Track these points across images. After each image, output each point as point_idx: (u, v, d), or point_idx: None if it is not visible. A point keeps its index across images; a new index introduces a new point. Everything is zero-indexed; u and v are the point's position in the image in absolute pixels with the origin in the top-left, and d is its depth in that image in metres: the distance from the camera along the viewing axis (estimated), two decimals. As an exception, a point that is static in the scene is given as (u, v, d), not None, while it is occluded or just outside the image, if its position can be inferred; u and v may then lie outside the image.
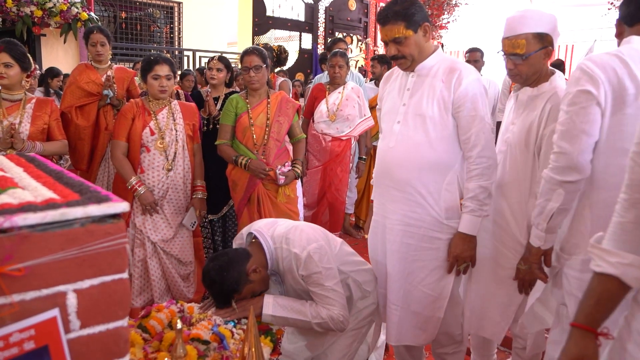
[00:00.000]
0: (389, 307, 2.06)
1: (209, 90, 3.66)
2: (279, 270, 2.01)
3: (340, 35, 9.12)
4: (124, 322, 0.88)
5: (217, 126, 3.53)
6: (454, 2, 9.25)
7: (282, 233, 1.99)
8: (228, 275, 1.82)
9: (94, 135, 3.50)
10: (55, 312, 0.79)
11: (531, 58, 1.86)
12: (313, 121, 4.02)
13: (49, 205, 0.81)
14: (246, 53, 3.04)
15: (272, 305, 1.89)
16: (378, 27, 2.11)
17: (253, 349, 1.21)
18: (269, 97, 3.12)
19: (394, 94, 2.07)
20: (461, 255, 1.92)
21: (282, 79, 5.32)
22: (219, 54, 3.78)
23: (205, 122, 3.58)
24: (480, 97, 1.90)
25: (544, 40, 1.88)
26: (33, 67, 2.84)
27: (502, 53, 1.97)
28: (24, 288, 0.76)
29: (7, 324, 0.76)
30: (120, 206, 0.85)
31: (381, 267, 2.11)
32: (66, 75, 5.97)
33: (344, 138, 3.85)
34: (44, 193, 0.89)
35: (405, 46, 1.91)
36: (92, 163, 3.58)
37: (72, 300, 0.81)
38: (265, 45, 5.01)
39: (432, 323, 2.01)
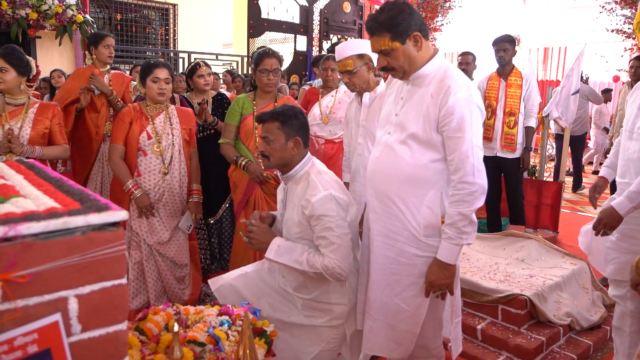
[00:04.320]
0: (366, 315, 2.01)
1: (205, 98, 3.67)
2: (289, 189, 2.18)
3: (335, 38, 9.16)
4: (123, 326, 0.91)
5: (212, 132, 3.56)
6: (447, 5, 9.31)
7: (320, 168, 2.17)
8: (296, 111, 2.14)
9: (73, 139, 3.60)
10: (57, 317, 0.82)
11: (358, 72, 2.60)
12: (307, 124, 4.06)
13: (51, 214, 0.84)
14: (267, 55, 3.01)
15: (274, 251, 2.05)
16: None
17: (248, 351, 1.25)
18: (276, 100, 3.13)
19: (390, 100, 1.99)
20: (436, 282, 1.84)
21: (281, 84, 5.34)
22: (202, 60, 3.76)
23: (200, 128, 3.60)
24: (469, 117, 1.74)
25: (364, 59, 2.61)
26: (35, 72, 2.85)
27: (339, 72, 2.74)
28: (27, 294, 0.79)
29: (11, 328, 0.79)
30: (119, 215, 0.88)
31: (363, 274, 2.07)
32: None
33: (336, 140, 3.89)
34: (46, 202, 0.92)
35: (393, 58, 1.81)
36: (84, 166, 3.65)
37: (73, 305, 0.84)
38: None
39: (407, 338, 1.94)
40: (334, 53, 4.42)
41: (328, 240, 1.98)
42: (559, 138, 6.59)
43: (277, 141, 2.10)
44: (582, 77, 7.26)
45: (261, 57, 3.03)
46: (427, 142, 1.81)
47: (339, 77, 4.00)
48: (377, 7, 9.64)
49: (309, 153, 2.19)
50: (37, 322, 0.81)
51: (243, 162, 2.98)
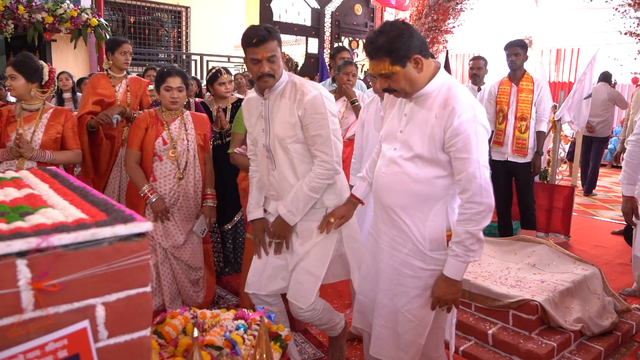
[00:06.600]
0: (374, 319, 2.05)
1: (220, 106, 3.71)
2: (271, 100, 2.21)
3: (347, 40, 9.19)
4: (146, 332, 0.95)
5: (229, 139, 3.59)
6: (459, 7, 9.29)
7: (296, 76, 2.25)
8: (270, 28, 2.09)
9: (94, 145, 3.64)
10: (85, 324, 0.86)
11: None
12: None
13: (79, 225, 0.88)
14: None
15: (291, 214, 2.21)
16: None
17: (265, 355, 1.28)
18: None
19: (393, 114, 1.99)
20: (443, 297, 1.88)
21: None
22: (223, 67, 3.80)
23: (218, 135, 3.64)
24: (474, 138, 1.74)
25: None
26: (47, 79, 2.90)
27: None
28: (58, 302, 0.84)
29: (42, 334, 0.83)
30: (144, 226, 0.92)
31: (371, 279, 2.10)
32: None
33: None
34: (74, 212, 0.96)
35: (394, 81, 1.80)
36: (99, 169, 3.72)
37: (100, 312, 0.88)
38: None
39: (414, 348, 1.98)
40: (339, 57, 4.47)
41: (323, 138, 2.11)
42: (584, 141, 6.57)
43: (280, 58, 2.12)
44: (610, 81, 7.26)
45: None
46: (432, 161, 1.83)
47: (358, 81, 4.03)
48: (387, 9, 9.66)
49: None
50: (67, 328, 0.85)
51: None
